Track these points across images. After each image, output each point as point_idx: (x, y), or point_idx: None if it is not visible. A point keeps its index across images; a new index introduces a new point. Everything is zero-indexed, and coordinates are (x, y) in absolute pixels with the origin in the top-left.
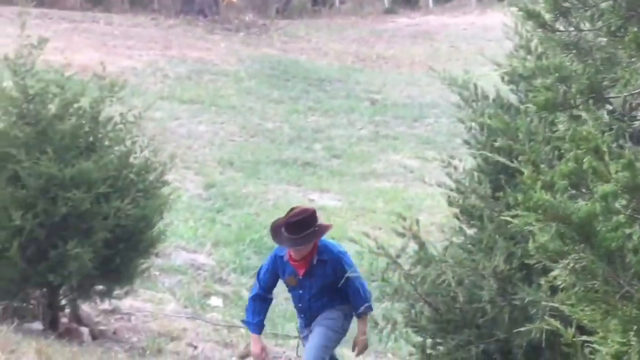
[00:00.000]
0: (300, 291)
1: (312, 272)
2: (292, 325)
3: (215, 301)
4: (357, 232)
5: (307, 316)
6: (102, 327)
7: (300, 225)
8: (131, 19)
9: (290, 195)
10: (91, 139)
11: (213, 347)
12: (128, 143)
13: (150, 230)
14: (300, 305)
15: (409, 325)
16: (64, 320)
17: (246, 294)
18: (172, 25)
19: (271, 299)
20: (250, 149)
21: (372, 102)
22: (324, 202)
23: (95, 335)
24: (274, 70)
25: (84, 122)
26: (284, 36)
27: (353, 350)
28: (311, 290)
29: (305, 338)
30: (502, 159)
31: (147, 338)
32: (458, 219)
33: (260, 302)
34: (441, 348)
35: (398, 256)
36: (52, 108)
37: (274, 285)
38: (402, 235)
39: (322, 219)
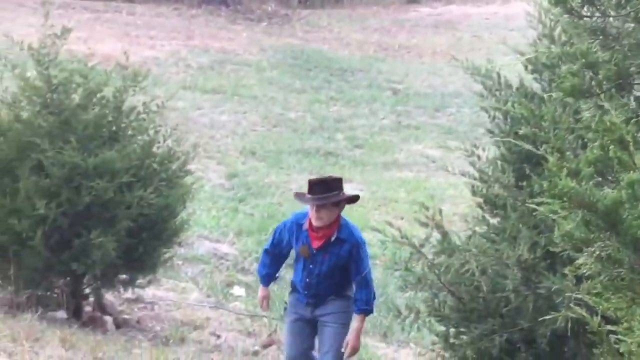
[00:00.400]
0: (311, 265)
1: (327, 249)
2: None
3: (238, 290)
4: (380, 222)
5: (312, 294)
6: (125, 316)
7: (324, 186)
8: (154, 8)
9: None
10: (114, 128)
11: (236, 336)
12: (151, 132)
13: (173, 220)
14: (308, 280)
15: (432, 315)
16: (88, 309)
17: None
18: (195, 15)
19: (285, 257)
20: (272, 139)
21: (394, 91)
22: (346, 191)
23: (118, 324)
24: (296, 60)
25: (107, 111)
26: (306, 26)
27: (343, 349)
28: (322, 266)
29: (300, 319)
30: (527, 147)
31: (170, 327)
32: (481, 208)
33: (272, 256)
34: (464, 337)
35: (422, 245)
36: (76, 98)
37: (286, 247)
38: (425, 225)
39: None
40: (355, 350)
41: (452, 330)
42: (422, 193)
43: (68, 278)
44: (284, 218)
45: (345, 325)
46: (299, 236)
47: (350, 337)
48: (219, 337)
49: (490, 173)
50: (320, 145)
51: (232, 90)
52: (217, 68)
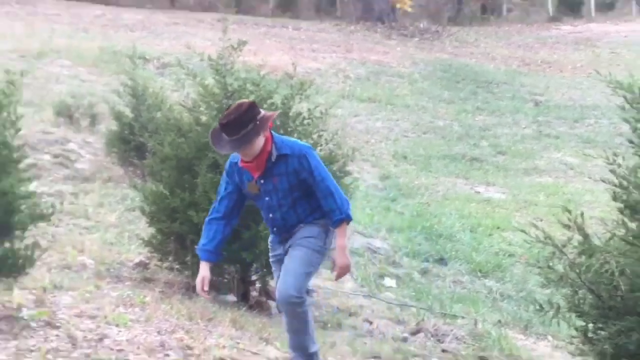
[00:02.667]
0: (267, 198)
1: (272, 172)
2: (460, 307)
3: (389, 282)
4: (521, 224)
5: (282, 230)
6: None
7: (235, 125)
8: (316, 24)
9: (458, 187)
10: (282, 132)
11: (387, 324)
12: (314, 136)
13: None
14: (271, 215)
15: (572, 310)
16: (254, 293)
17: (417, 277)
18: (353, 31)
19: (233, 223)
20: (422, 145)
21: (535, 103)
22: (490, 194)
23: (281, 309)
24: (446, 73)
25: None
26: (455, 41)
27: (332, 271)
28: (277, 193)
29: (278, 258)
30: None
31: (328, 313)
32: (621, 212)
33: (216, 224)
34: (603, 333)
35: (564, 246)
36: None
37: (238, 203)
38: (567, 227)
39: (265, 112)
40: (344, 269)
41: (590, 325)
42: (560, 197)
43: (238, 265)
44: (432, 218)
45: (317, 253)
46: (241, 176)
47: (335, 256)
48: (371, 323)
49: (631, 180)
50: (466, 151)
51: (386, 99)
52: (373, 79)
